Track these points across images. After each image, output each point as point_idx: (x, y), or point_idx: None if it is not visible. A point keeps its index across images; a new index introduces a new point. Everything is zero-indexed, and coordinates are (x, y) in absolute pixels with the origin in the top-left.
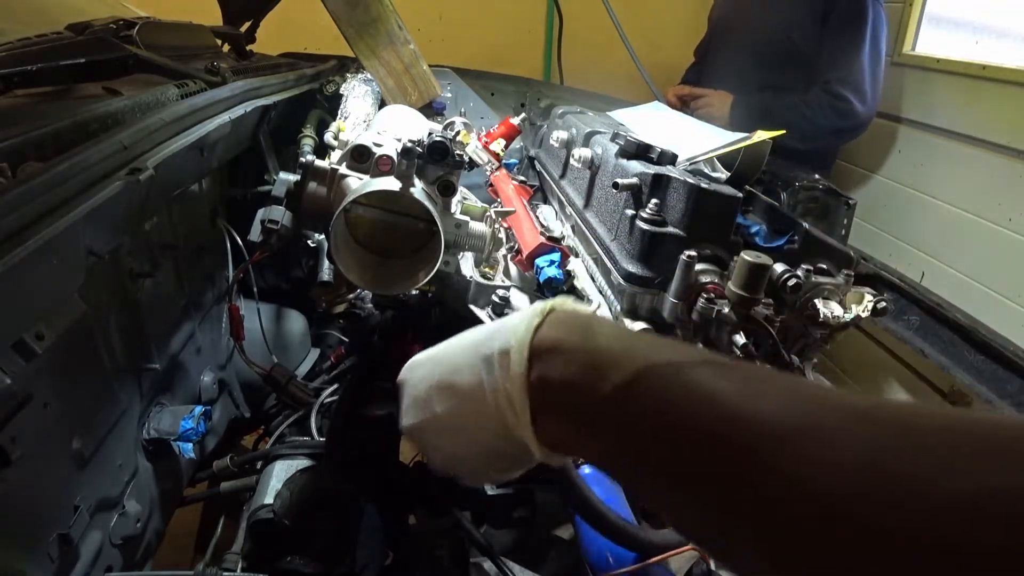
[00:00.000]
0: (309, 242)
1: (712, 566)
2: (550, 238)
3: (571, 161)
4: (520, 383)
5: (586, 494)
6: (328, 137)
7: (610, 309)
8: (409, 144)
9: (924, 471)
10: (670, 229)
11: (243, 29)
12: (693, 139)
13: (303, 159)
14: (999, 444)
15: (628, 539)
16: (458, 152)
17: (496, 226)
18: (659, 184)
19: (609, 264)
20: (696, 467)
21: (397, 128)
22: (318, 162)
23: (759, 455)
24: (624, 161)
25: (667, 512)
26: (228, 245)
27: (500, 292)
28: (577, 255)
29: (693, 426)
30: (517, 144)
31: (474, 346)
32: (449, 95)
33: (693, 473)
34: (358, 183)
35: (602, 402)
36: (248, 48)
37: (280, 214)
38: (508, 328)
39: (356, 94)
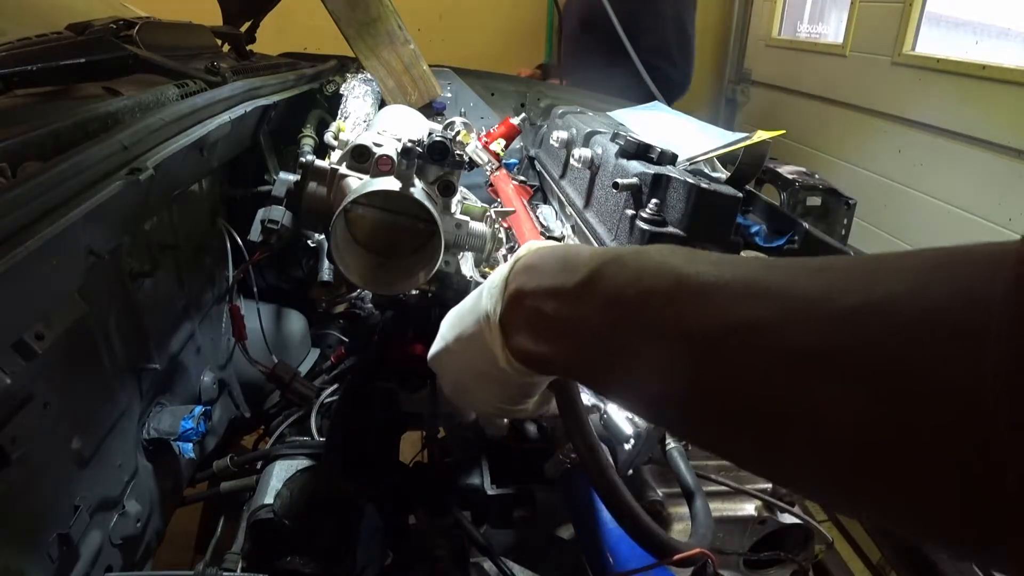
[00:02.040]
0: (309, 242)
1: (715, 568)
2: (550, 238)
3: (571, 161)
4: (496, 304)
5: (615, 483)
6: (328, 137)
7: None
8: (409, 144)
9: (818, 292)
10: (670, 229)
11: (243, 29)
12: (693, 139)
13: (303, 159)
14: (883, 264)
15: (653, 540)
16: (458, 152)
17: (496, 226)
18: (659, 184)
19: None
20: (648, 326)
21: (397, 128)
22: (318, 162)
23: (695, 302)
24: (624, 161)
25: (655, 408)
26: (228, 245)
27: None
28: None
29: (646, 286)
30: (517, 144)
31: (480, 286)
32: (449, 95)
33: (650, 333)
34: (358, 183)
35: (573, 293)
36: (248, 48)
37: (280, 214)
38: (500, 268)
39: (356, 94)
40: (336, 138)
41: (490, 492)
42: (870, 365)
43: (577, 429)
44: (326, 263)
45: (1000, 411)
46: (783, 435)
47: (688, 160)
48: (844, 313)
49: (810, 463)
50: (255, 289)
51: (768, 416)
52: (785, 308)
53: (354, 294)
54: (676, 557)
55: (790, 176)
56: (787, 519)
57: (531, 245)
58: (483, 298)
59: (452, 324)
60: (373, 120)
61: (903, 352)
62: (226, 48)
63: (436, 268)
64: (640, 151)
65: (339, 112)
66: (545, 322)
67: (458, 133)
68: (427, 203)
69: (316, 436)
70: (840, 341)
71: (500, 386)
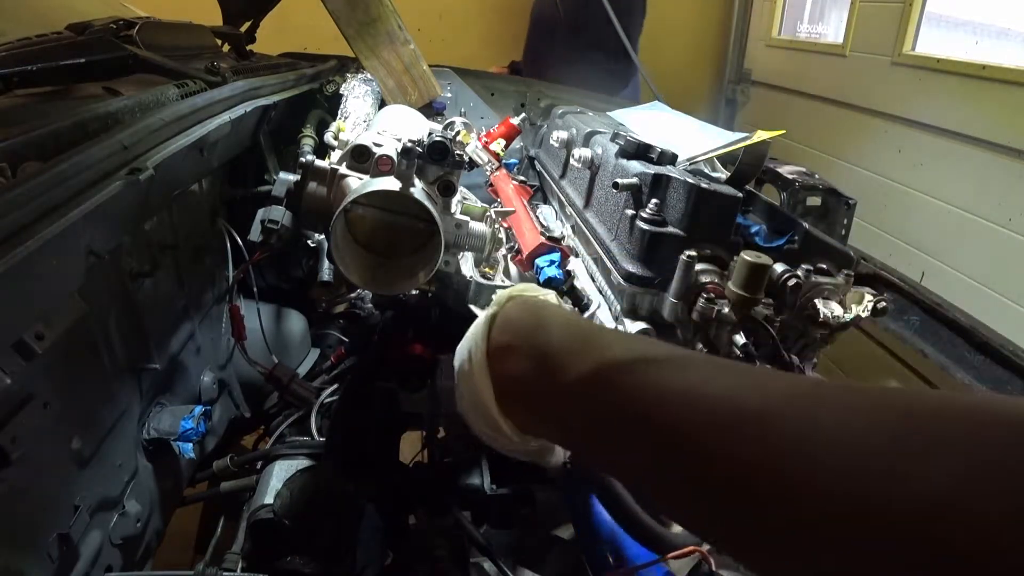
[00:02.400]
0: (309, 242)
1: (714, 567)
2: (550, 238)
3: (571, 161)
4: (484, 377)
5: (616, 489)
6: (328, 137)
7: (610, 309)
8: (409, 144)
9: (851, 459)
10: (670, 229)
11: (243, 29)
12: (693, 139)
13: (303, 159)
14: (940, 432)
15: (655, 540)
16: (458, 152)
17: (496, 226)
18: (659, 184)
19: (609, 264)
20: (663, 453)
21: (397, 128)
22: (318, 162)
23: (719, 440)
24: (624, 161)
25: (634, 486)
26: (228, 245)
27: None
28: (577, 255)
29: (663, 418)
30: (517, 144)
31: (469, 334)
32: (449, 95)
33: (661, 457)
34: (358, 183)
35: (562, 394)
36: (248, 48)
37: (280, 214)
38: (476, 325)
39: (356, 94)
40: (336, 138)
41: (490, 492)
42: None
43: None
44: (326, 263)
45: None
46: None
47: (688, 160)
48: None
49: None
50: (255, 289)
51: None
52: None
53: (354, 294)
54: (670, 555)
55: (790, 176)
56: None
57: (478, 328)
58: (467, 364)
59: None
60: (373, 120)
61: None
62: (226, 48)
63: (436, 268)
64: (640, 151)
65: (339, 112)
66: (544, 405)
67: (458, 133)
68: (427, 203)
69: (316, 436)
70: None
71: (500, 437)
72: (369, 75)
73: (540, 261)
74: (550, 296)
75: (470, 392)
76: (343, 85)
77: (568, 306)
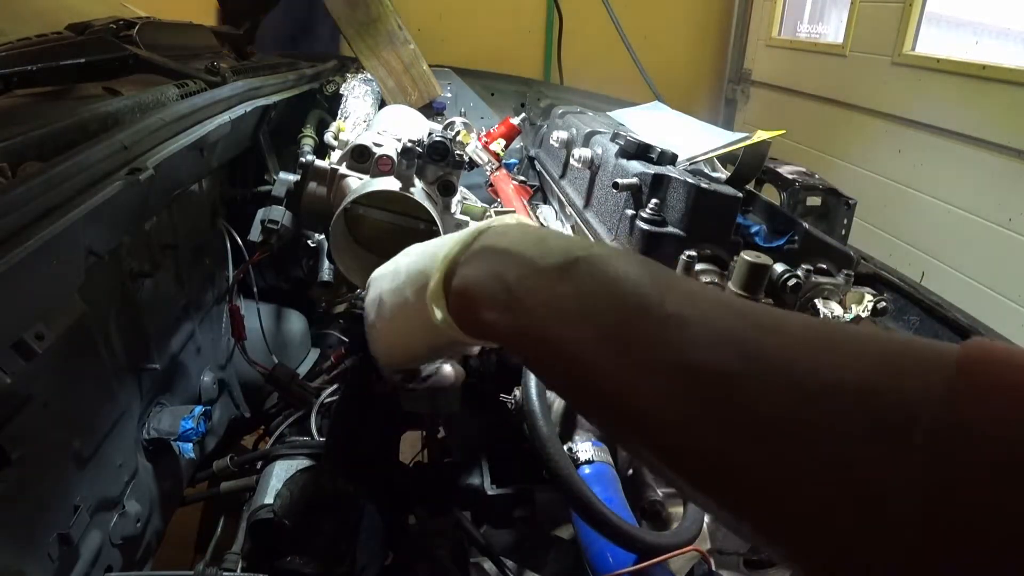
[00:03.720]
0: (309, 242)
1: (713, 566)
2: None
3: (571, 161)
4: (452, 254)
5: (587, 496)
6: (328, 137)
7: None
8: (409, 144)
9: (781, 358)
10: (670, 229)
11: (243, 29)
12: (693, 139)
13: (303, 159)
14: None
15: (629, 540)
16: (458, 152)
17: None
18: (659, 184)
19: None
20: (611, 332)
21: (397, 128)
22: (318, 162)
23: (661, 327)
24: (624, 161)
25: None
26: (228, 245)
27: None
28: None
29: (615, 301)
30: (517, 144)
31: (417, 255)
32: (449, 95)
33: (609, 336)
34: (358, 183)
35: (536, 279)
36: (248, 48)
37: (280, 214)
38: (445, 242)
39: (356, 94)
40: (336, 138)
41: (490, 492)
42: (810, 442)
43: (542, 449)
44: (326, 263)
45: (912, 518)
46: (726, 482)
47: (688, 160)
48: (799, 385)
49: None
50: (255, 289)
51: (721, 470)
52: (749, 367)
53: (354, 294)
54: (669, 555)
55: (790, 176)
56: None
57: (507, 219)
58: (444, 246)
59: (386, 294)
60: (373, 120)
61: (839, 434)
62: (226, 48)
63: None
64: (640, 151)
65: (339, 112)
66: (504, 291)
67: (458, 133)
68: (427, 203)
69: (316, 436)
70: (795, 414)
71: (437, 349)
72: (369, 75)
73: None
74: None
75: (410, 283)
76: (343, 85)
77: None
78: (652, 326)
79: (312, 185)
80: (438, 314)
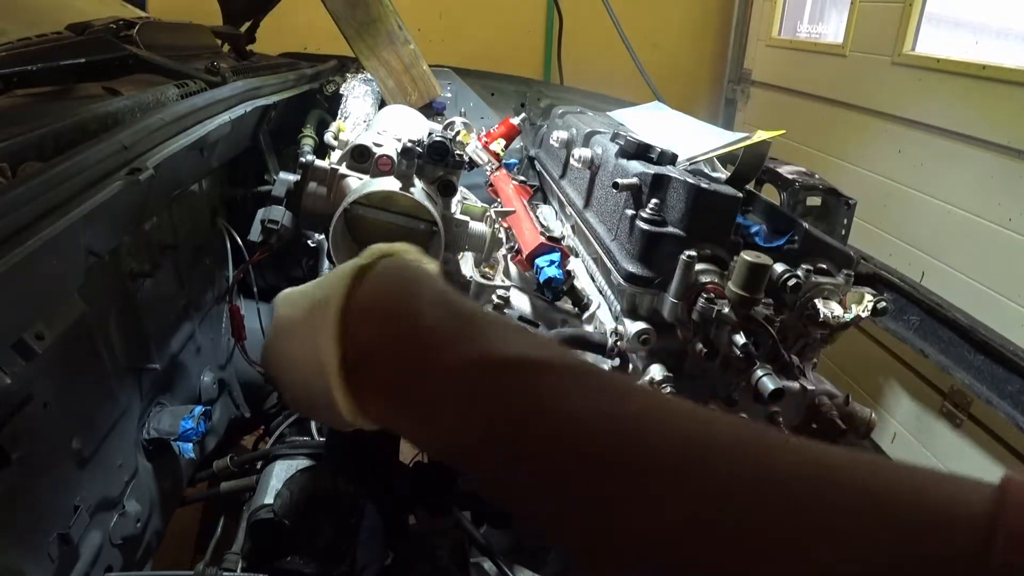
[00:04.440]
0: (309, 242)
1: None
2: (550, 238)
3: (571, 161)
4: (330, 339)
5: None
6: (328, 137)
7: (610, 309)
8: (409, 144)
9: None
10: (670, 229)
11: (243, 29)
12: (693, 139)
13: (303, 159)
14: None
15: None
16: (458, 152)
17: (496, 226)
18: (659, 184)
19: (609, 264)
20: (539, 464)
21: (397, 128)
22: (318, 162)
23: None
24: (624, 161)
25: (491, 485)
26: (228, 245)
27: (500, 292)
28: (577, 255)
29: (545, 432)
30: (517, 144)
31: (315, 287)
32: (449, 95)
33: (537, 468)
34: (358, 183)
35: (437, 378)
36: (248, 48)
37: (280, 214)
38: (334, 275)
39: (356, 94)
40: (336, 138)
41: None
42: None
43: None
44: (326, 263)
45: None
46: None
47: (688, 160)
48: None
49: None
50: (255, 289)
51: None
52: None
53: None
54: None
55: (790, 176)
56: None
57: (341, 277)
58: (314, 321)
59: (283, 328)
60: (373, 120)
61: None
62: (226, 48)
63: None
64: (640, 151)
65: (339, 112)
66: (410, 390)
67: (458, 133)
68: (427, 203)
69: (316, 436)
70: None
71: (329, 412)
72: (369, 75)
73: (540, 261)
74: (431, 265)
75: (305, 350)
76: (343, 85)
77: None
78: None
79: (312, 185)
80: (337, 397)
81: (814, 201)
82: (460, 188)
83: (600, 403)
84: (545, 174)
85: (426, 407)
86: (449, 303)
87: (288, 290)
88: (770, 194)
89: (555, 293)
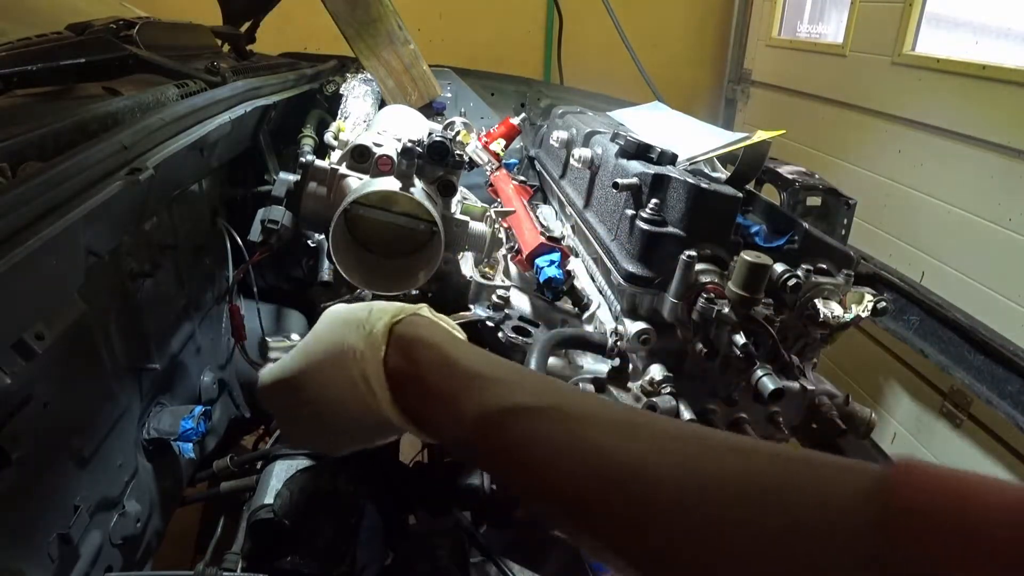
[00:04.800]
0: (309, 242)
1: None
2: (550, 238)
3: (571, 161)
4: (378, 354)
5: None
6: (328, 137)
7: (610, 309)
8: (409, 144)
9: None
10: (670, 229)
11: (243, 29)
12: (693, 139)
13: (303, 159)
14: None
15: None
16: (458, 152)
17: (496, 226)
18: (659, 184)
19: (609, 264)
20: (555, 498)
21: (397, 128)
22: (318, 162)
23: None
24: (624, 161)
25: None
26: (228, 245)
27: (500, 292)
28: (577, 255)
29: (532, 473)
30: (517, 144)
31: (340, 322)
32: (449, 95)
33: (553, 501)
34: (358, 183)
35: (465, 422)
36: (248, 48)
37: (280, 214)
38: (371, 318)
39: (356, 94)
40: (336, 138)
41: (490, 492)
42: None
43: None
44: (326, 263)
45: None
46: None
47: (688, 160)
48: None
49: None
50: (255, 289)
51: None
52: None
53: (354, 294)
54: None
55: (790, 176)
56: None
57: (380, 320)
58: (349, 359)
59: (301, 378)
60: (373, 120)
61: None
62: (226, 48)
63: (436, 268)
64: (640, 151)
65: (339, 112)
66: (442, 422)
67: (458, 133)
68: (427, 203)
69: None
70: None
71: (369, 432)
72: (369, 75)
73: (540, 261)
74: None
75: (356, 371)
76: (343, 85)
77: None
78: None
79: (312, 185)
80: (377, 393)
81: (814, 201)
82: (460, 188)
83: (585, 452)
84: (545, 174)
85: (450, 436)
86: (474, 349)
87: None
88: (770, 194)
89: (555, 293)
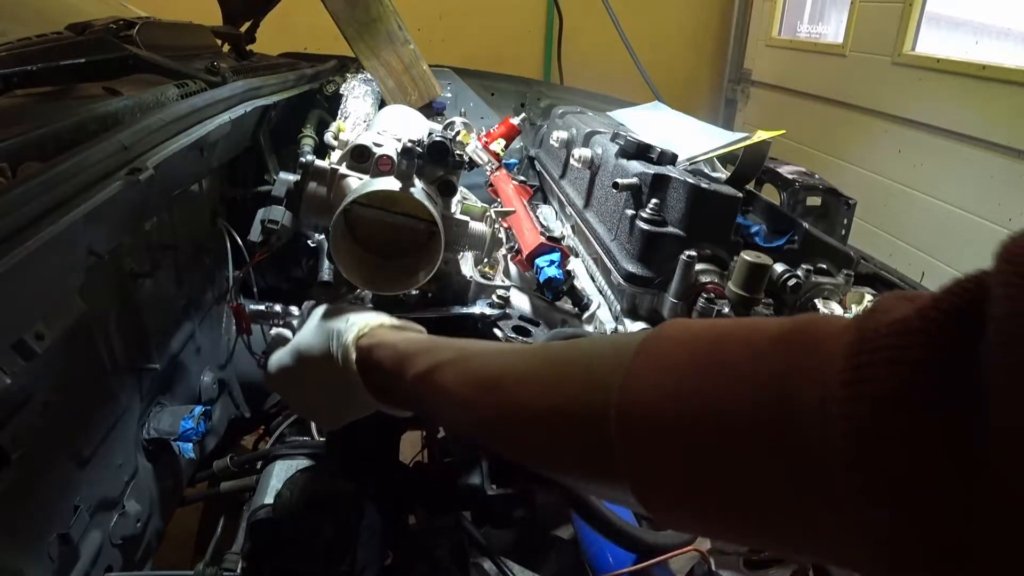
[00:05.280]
0: (309, 242)
1: (713, 566)
2: (550, 238)
3: (571, 161)
4: (351, 358)
5: (587, 496)
6: (328, 137)
7: (610, 309)
8: (409, 144)
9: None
10: (670, 229)
11: (243, 29)
12: (693, 139)
13: (303, 159)
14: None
15: (629, 541)
16: (458, 152)
17: (496, 226)
18: (659, 184)
19: (609, 264)
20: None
21: (397, 128)
22: (318, 162)
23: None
24: (624, 161)
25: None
26: (228, 245)
27: (500, 292)
28: (577, 255)
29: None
30: (517, 144)
31: (325, 331)
32: (449, 95)
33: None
34: (358, 183)
35: (407, 385)
36: (248, 48)
37: (280, 214)
38: (346, 330)
39: (356, 94)
40: (336, 138)
41: (490, 492)
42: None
43: None
44: (326, 263)
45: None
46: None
47: (688, 160)
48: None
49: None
50: (255, 289)
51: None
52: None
53: (354, 294)
54: (669, 555)
55: (790, 176)
56: None
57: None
58: (333, 349)
59: (298, 362)
60: (373, 120)
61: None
62: (226, 48)
63: (436, 268)
64: (640, 151)
65: (339, 112)
66: (396, 390)
67: (458, 133)
68: (427, 203)
69: (316, 436)
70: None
71: (354, 408)
72: (369, 75)
73: (540, 261)
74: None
75: (338, 368)
76: (343, 85)
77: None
78: None
79: (312, 185)
80: (351, 375)
81: (814, 201)
82: (460, 188)
83: (468, 374)
84: (545, 174)
85: (406, 401)
86: (420, 340)
87: (285, 351)
88: (770, 194)
89: (555, 293)
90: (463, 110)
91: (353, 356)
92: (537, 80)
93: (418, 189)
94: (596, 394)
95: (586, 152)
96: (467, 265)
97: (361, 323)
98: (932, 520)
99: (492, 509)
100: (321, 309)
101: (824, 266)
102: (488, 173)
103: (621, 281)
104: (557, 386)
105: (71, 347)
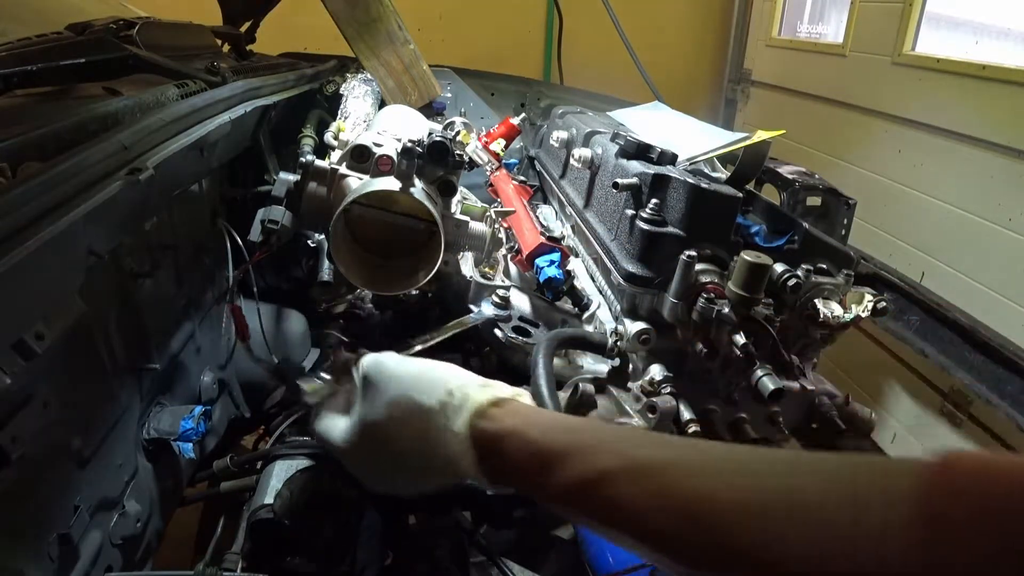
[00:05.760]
0: (309, 242)
1: None
2: (550, 238)
3: (571, 161)
4: (467, 440)
5: None
6: (328, 137)
7: (610, 309)
8: (409, 144)
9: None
10: (670, 229)
11: (243, 29)
12: (693, 139)
13: (303, 159)
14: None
15: None
16: (458, 152)
17: (496, 226)
18: (659, 184)
19: (609, 264)
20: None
21: (397, 128)
22: (318, 162)
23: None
24: (624, 161)
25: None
26: (228, 245)
27: (500, 292)
28: (577, 255)
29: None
30: (517, 144)
31: (423, 407)
32: (449, 95)
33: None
34: (358, 183)
35: (549, 496)
36: (248, 48)
37: (280, 214)
38: (466, 388)
39: (356, 94)
40: (336, 138)
41: (490, 492)
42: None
43: None
44: (326, 263)
45: None
46: None
47: (688, 160)
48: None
49: None
50: (255, 289)
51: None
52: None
53: (354, 294)
54: None
55: (790, 176)
56: None
57: (509, 396)
58: (442, 423)
59: (394, 426)
60: (373, 120)
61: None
62: (226, 48)
63: (436, 268)
64: (640, 151)
65: (339, 112)
66: (533, 490)
67: (458, 133)
68: (427, 203)
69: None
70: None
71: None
72: (369, 75)
73: (540, 261)
74: (524, 397)
75: (439, 442)
76: (343, 85)
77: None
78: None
79: (312, 185)
80: (464, 458)
81: (814, 201)
82: (460, 188)
83: (663, 500)
84: (545, 174)
85: (537, 498)
86: (556, 420)
87: (389, 370)
88: (770, 194)
89: (555, 293)
90: (463, 110)
91: (468, 445)
92: (537, 80)
93: (418, 189)
94: (868, 563)
95: (586, 152)
96: (467, 265)
97: (474, 406)
98: None
99: (492, 509)
100: (389, 366)
101: (824, 266)
102: (488, 173)
103: (621, 281)
104: (808, 541)
105: (71, 347)
